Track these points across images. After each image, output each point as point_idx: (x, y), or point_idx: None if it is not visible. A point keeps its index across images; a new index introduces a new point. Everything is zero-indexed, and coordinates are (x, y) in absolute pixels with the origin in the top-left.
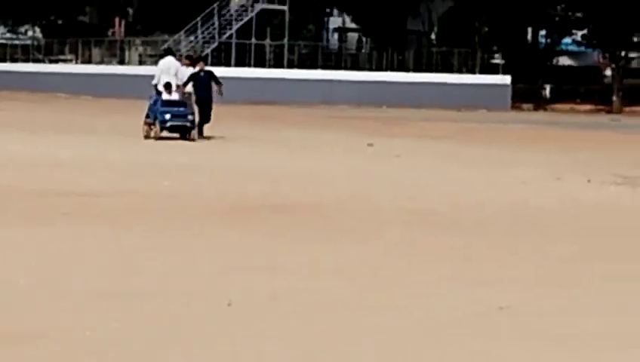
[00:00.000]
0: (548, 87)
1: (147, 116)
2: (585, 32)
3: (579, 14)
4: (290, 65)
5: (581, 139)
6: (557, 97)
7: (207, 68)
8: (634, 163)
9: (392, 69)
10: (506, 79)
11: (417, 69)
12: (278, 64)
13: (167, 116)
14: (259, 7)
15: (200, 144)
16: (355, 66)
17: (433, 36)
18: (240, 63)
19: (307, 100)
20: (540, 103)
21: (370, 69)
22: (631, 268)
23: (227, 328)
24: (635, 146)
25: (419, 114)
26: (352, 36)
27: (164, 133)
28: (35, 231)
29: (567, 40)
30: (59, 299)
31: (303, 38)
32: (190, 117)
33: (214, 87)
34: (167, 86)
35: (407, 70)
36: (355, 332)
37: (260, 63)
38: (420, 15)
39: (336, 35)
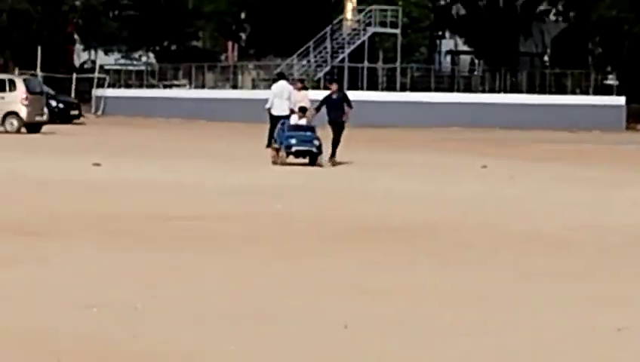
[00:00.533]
0: None
1: (274, 141)
2: None
3: None
4: (403, 88)
5: None
6: None
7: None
8: None
9: (505, 91)
10: (621, 100)
11: (530, 90)
12: (390, 87)
13: (293, 141)
14: (371, 30)
15: (324, 169)
16: (468, 89)
17: (546, 58)
18: (352, 87)
19: (420, 123)
20: None
21: (483, 91)
22: None
23: (344, 350)
24: None
25: (532, 135)
26: (465, 59)
27: (291, 159)
28: (151, 254)
29: None
30: (177, 322)
31: (415, 61)
32: (316, 142)
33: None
34: (301, 110)
35: (520, 92)
36: (471, 355)
37: (373, 86)
38: (532, 36)
39: (448, 58)
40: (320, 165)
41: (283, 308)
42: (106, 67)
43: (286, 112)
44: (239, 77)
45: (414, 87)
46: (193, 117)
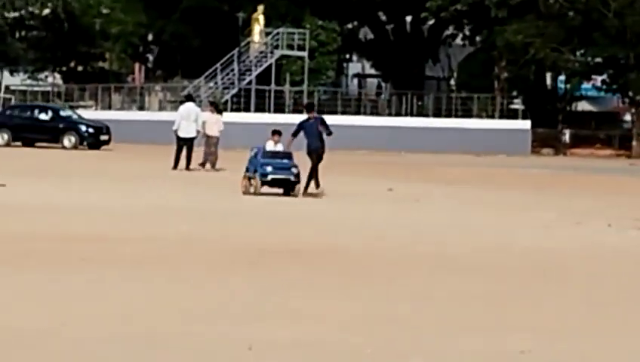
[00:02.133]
0: (567, 132)
1: (247, 169)
2: (604, 77)
3: (598, 60)
4: None
5: (601, 184)
6: (576, 142)
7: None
8: None
9: (412, 115)
10: (526, 124)
11: (437, 114)
12: (297, 110)
13: (269, 168)
14: (278, 53)
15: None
16: (375, 112)
17: (452, 82)
18: (260, 109)
19: (326, 146)
20: (560, 148)
21: (390, 115)
22: None
23: None
24: None
25: (438, 159)
26: (372, 82)
27: (265, 189)
28: (50, 276)
29: (586, 85)
30: (66, 345)
31: (322, 84)
32: (294, 170)
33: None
34: (275, 132)
35: (426, 115)
36: None
37: (280, 109)
38: (439, 61)
39: (355, 81)
40: (295, 195)
41: (183, 331)
42: (12, 87)
43: (193, 134)
44: (146, 98)
45: (321, 110)
46: None
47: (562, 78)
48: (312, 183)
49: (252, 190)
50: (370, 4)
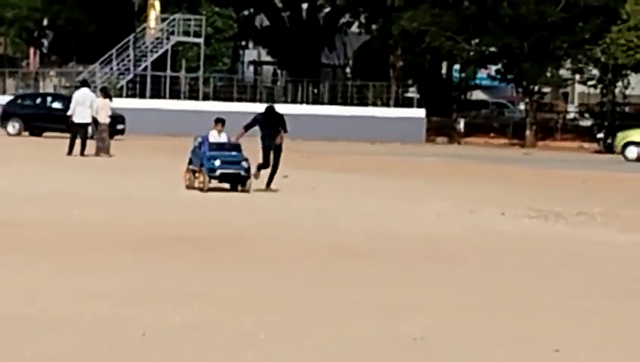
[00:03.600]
0: (462, 121)
1: (190, 162)
2: (499, 66)
3: (493, 49)
4: (206, 98)
5: (495, 172)
6: (471, 131)
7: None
8: (547, 197)
9: (307, 102)
10: (421, 112)
11: (332, 102)
12: (193, 96)
13: (217, 163)
14: (174, 39)
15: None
16: (271, 99)
17: (348, 70)
18: (155, 95)
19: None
20: (454, 137)
21: (285, 102)
22: (545, 298)
23: (143, 357)
24: (547, 180)
25: (333, 147)
26: (268, 69)
27: (214, 183)
28: None
29: (481, 74)
30: None
31: (218, 71)
32: (245, 163)
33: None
34: (218, 121)
35: (322, 103)
36: (270, 361)
37: (175, 95)
38: (335, 49)
39: (251, 68)
40: (246, 191)
41: (80, 315)
42: None
43: (88, 120)
44: (41, 83)
45: (217, 97)
46: None
47: (457, 66)
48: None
49: (197, 185)
50: None
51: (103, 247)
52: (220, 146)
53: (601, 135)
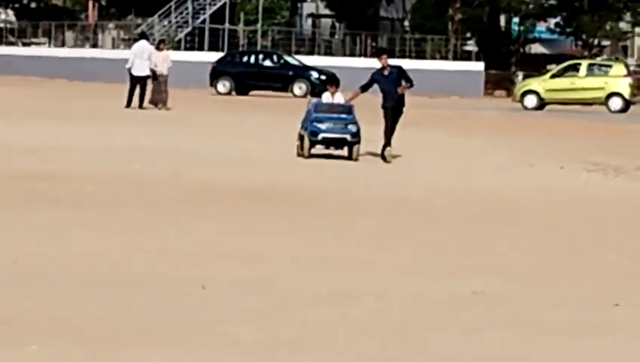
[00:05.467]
0: (520, 75)
1: (301, 126)
2: (558, 19)
3: (552, 2)
4: None
5: (553, 126)
6: None
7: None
8: (605, 150)
9: (365, 56)
10: (479, 66)
11: (390, 55)
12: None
13: (321, 126)
14: None
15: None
16: (329, 52)
17: (407, 23)
18: (213, 48)
19: None
20: (513, 90)
21: (343, 55)
22: (607, 256)
23: (202, 311)
24: (605, 133)
25: None
26: (326, 22)
27: (318, 149)
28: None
29: (540, 28)
30: (31, 285)
31: (276, 24)
32: (352, 127)
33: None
34: (332, 81)
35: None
36: (327, 322)
37: (234, 49)
38: (393, 2)
39: (309, 21)
40: (355, 159)
41: (140, 272)
42: None
43: (146, 72)
44: (99, 36)
45: (276, 49)
46: (52, 75)
47: (516, 20)
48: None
49: (304, 152)
50: None
51: (161, 202)
52: (328, 108)
53: None
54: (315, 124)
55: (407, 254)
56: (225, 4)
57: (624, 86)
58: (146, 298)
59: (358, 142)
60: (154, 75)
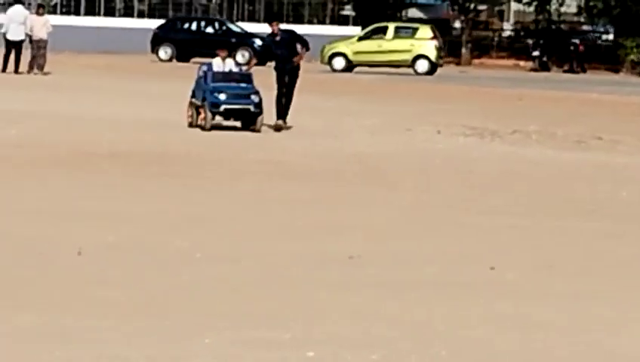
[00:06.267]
0: None
1: (192, 94)
2: None
3: None
4: (141, 15)
5: (430, 90)
6: None
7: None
8: (482, 114)
9: (243, 20)
10: (356, 30)
11: (267, 19)
12: (128, 14)
13: (222, 96)
14: None
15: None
16: (206, 16)
17: None
18: (90, 12)
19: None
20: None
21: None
22: (482, 217)
23: (78, 276)
24: (482, 98)
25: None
26: None
27: (218, 120)
28: None
29: None
30: None
31: None
32: (255, 97)
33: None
34: (222, 47)
35: (257, 21)
36: (201, 282)
37: (110, 13)
38: None
39: None
40: (258, 130)
41: (12, 234)
42: None
43: (22, 37)
44: None
45: (152, 14)
46: None
47: None
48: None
49: (200, 122)
50: None
51: (36, 164)
52: (226, 76)
53: (536, 53)
54: (215, 94)
55: (281, 215)
56: None
57: (430, 49)
58: (15, 260)
59: (261, 112)
60: (30, 39)
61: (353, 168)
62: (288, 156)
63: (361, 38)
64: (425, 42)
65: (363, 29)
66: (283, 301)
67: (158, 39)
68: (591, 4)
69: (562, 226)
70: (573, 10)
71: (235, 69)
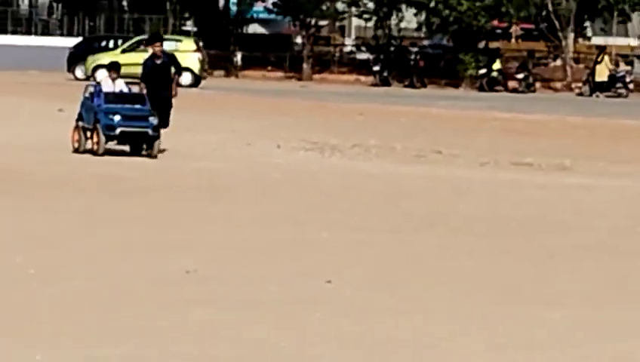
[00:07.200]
0: (239, 54)
1: (79, 117)
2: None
3: None
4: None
5: (272, 105)
6: (248, 64)
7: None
8: (323, 129)
9: (83, 35)
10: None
11: (109, 33)
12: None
13: (117, 118)
14: None
15: None
16: (46, 32)
17: (125, 2)
18: None
19: None
20: (232, 70)
21: (62, 35)
22: (320, 233)
23: None
24: (323, 112)
25: None
26: (43, 2)
27: (111, 145)
28: None
29: (258, 8)
30: None
31: None
32: (152, 120)
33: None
34: (112, 66)
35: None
36: (34, 300)
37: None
38: None
39: (26, 0)
40: (154, 156)
41: None
42: None
43: None
44: None
45: None
46: None
47: (234, 0)
48: None
49: (90, 146)
50: None
51: None
52: (119, 97)
53: (377, 68)
54: (109, 116)
55: (116, 233)
56: None
57: (194, 61)
58: None
59: (159, 136)
60: None
61: (192, 184)
62: (127, 172)
63: (124, 50)
64: (188, 54)
65: (205, 44)
66: (117, 319)
67: (74, 58)
68: (431, 20)
69: (402, 240)
70: (414, 25)
71: (126, 90)
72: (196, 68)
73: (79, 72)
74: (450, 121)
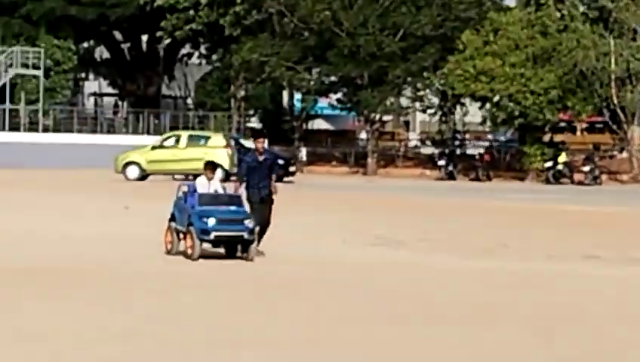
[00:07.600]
0: (304, 150)
1: (172, 217)
2: (340, 95)
3: (333, 78)
4: (46, 130)
5: (337, 200)
6: (313, 159)
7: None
8: (388, 223)
9: (149, 133)
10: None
11: (174, 129)
12: (33, 128)
13: (212, 222)
14: (12, 71)
15: None
16: (112, 130)
17: (190, 100)
18: None
19: (64, 164)
20: (297, 166)
21: (127, 133)
22: (388, 327)
23: None
24: (389, 207)
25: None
26: (109, 100)
27: (206, 247)
28: None
29: (322, 103)
30: None
31: (58, 103)
32: (248, 223)
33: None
34: (209, 165)
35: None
36: None
37: (15, 128)
38: (175, 79)
39: (92, 100)
40: (251, 259)
41: None
42: None
43: None
44: None
45: (57, 129)
46: None
47: (298, 96)
48: None
49: (183, 249)
50: (106, 24)
51: None
52: (213, 199)
53: (442, 162)
54: (204, 219)
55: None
56: (5, 83)
57: (223, 156)
58: None
59: (254, 239)
60: None
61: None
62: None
63: (154, 147)
64: (217, 150)
65: (269, 140)
66: None
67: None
68: (495, 113)
69: (464, 333)
70: (478, 119)
71: (221, 190)
72: (226, 163)
73: (130, 173)
74: (517, 214)
